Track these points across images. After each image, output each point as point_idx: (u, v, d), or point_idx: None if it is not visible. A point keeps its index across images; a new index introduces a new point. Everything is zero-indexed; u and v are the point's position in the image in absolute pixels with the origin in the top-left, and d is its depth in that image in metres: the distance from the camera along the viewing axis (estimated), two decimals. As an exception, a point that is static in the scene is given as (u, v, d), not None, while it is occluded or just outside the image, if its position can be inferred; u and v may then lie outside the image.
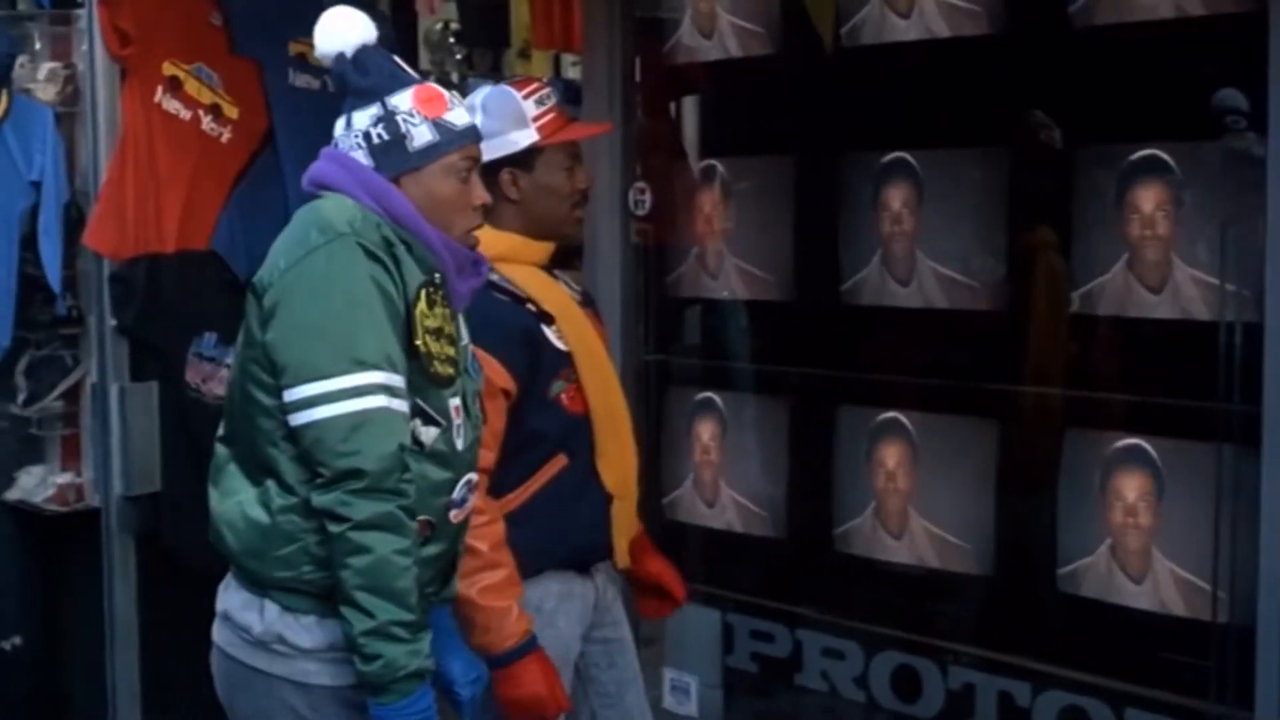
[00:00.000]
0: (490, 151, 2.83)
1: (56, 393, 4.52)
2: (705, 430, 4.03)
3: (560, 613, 3.06)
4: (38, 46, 4.54)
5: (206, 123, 4.28)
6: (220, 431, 2.66)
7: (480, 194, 2.66)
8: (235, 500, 2.57)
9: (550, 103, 3.09)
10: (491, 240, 2.83)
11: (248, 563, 2.56)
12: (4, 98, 4.32)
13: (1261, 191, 2.88)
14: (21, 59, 4.49)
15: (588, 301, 3.24)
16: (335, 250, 2.48)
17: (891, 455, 3.65)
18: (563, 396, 3.03)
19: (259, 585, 2.56)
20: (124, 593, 4.36)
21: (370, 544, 2.41)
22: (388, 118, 2.59)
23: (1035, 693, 3.36)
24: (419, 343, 2.51)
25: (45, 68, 4.47)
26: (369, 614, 2.42)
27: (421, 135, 2.59)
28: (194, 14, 4.27)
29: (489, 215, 2.75)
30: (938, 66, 3.52)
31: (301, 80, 4.44)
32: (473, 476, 2.69)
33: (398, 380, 2.48)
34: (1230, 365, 3.00)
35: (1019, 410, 3.56)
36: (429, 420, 2.55)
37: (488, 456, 2.84)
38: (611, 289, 3.93)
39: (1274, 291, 2.88)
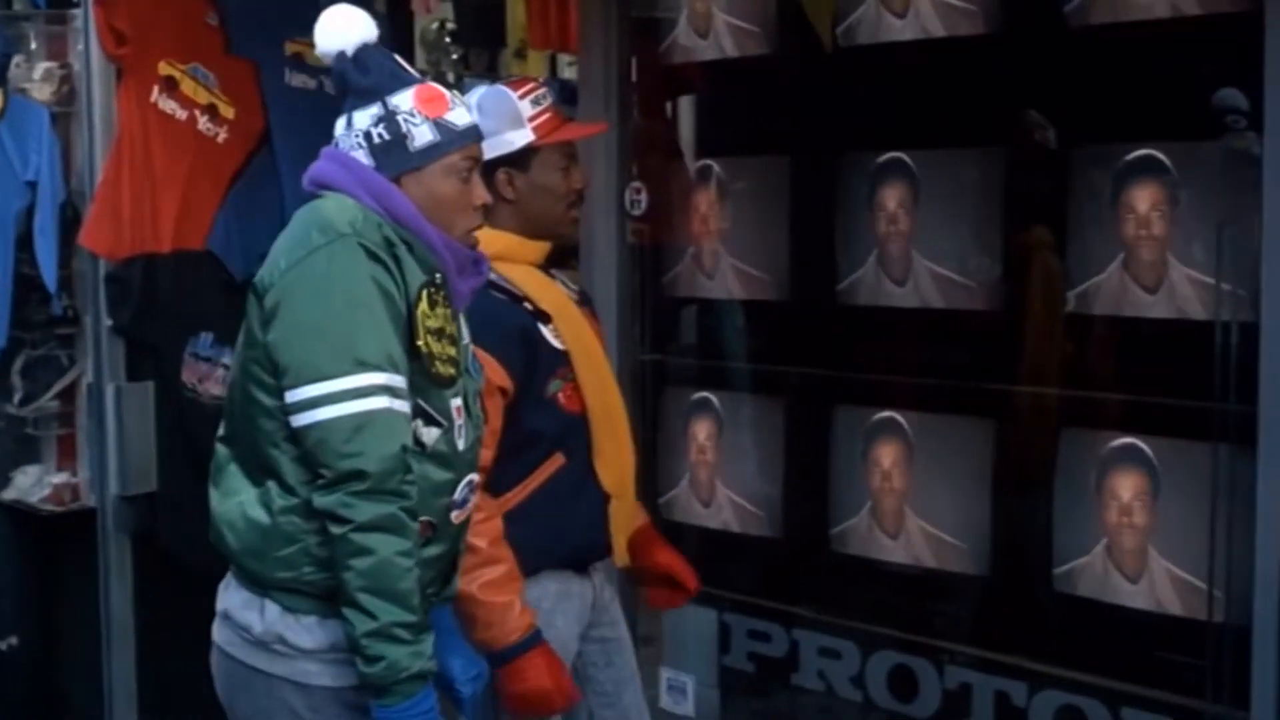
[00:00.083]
0: (486, 151, 2.82)
1: (52, 393, 4.52)
2: (701, 430, 4.03)
3: (558, 612, 3.07)
4: (33, 46, 4.55)
5: (202, 123, 4.28)
6: (220, 431, 2.66)
7: (481, 194, 2.66)
8: (236, 500, 2.57)
9: (546, 103, 3.09)
10: (488, 239, 2.83)
11: (248, 563, 2.56)
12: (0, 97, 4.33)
13: (1258, 191, 2.88)
14: (17, 59, 4.49)
15: (584, 300, 3.25)
16: (336, 251, 2.47)
17: (887, 455, 3.65)
18: (560, 395, 3.04)
19: (260, 585, 2.56)
20: (120, 593, 4.36)
21: (372, 545, 2.41)
22: (389, 117, 2.58)
23: (1031, 692, 3.36)
24: (420, 343, 2.51)
25: (41, 67, 4.47)
26: (371, 615, 2.42)
27: (422, 135, 2.59)
28: (190, 14, 4.27)
29: (485, 215, 2.75)
30: (934, 66, 3.52)
31: (298, 80, 4.44)
32: (474, 477, 2.69)
33: (399, 381, 2.48)
34: (1226, 365, 3.00)
35: (1015, 410, 3.56)
36: (430, 421, 2.55)
37: (485, 455, 2.84)
38: (608, 289, 3.93)
39: (1270, 291, 2.88)
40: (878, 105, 3.71)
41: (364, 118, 2.59)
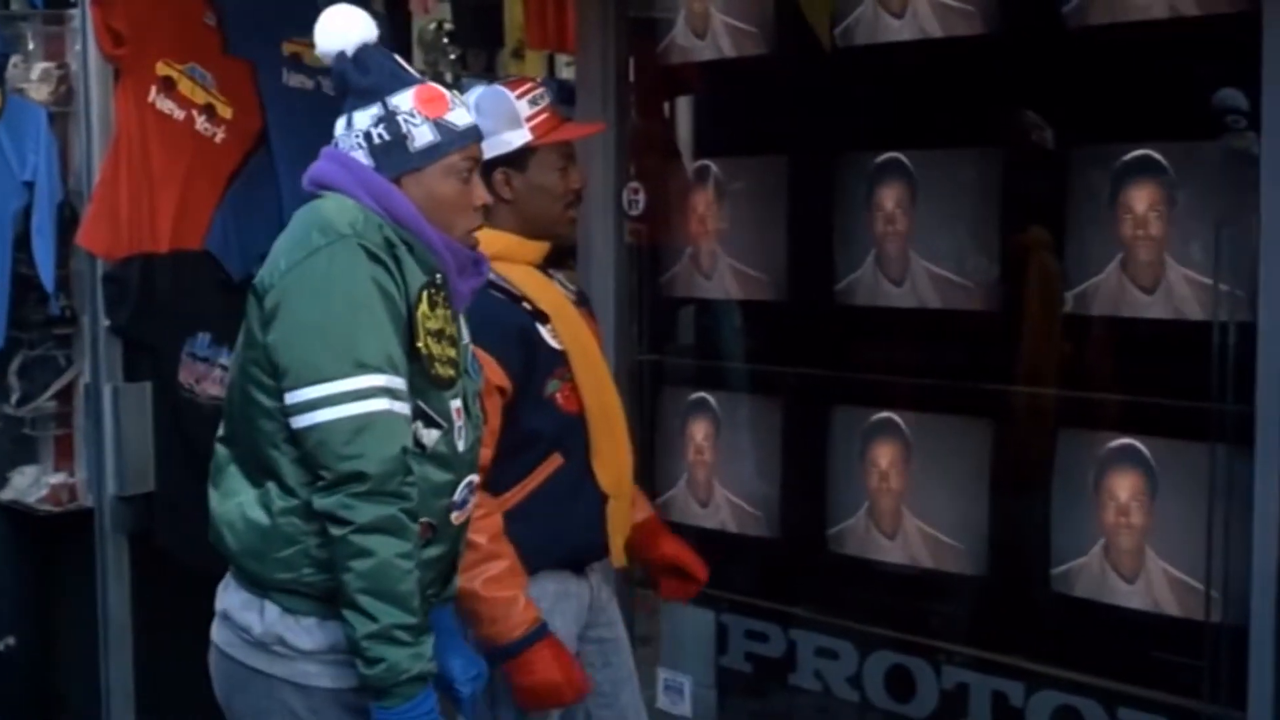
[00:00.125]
0: (484, 151, 2.83)
1: (50, 393, 4.52)
2: (699, 430, 4.04)
3: (556, 612, 3.06)
4: (31, 46, 4.54)
5: (200, 123, 4.28)
6: (220, 432, 2.65)
7: (481, 194, 2.66)
8: (236, 501, 2.56)
9: (543, 103, 3.09)
10: (487, 239, 2.83)
11: (248, 564, 2.56)
12: (-2, 98, 4.34)
13: (1255, 191, 2.88)
14: (15, 59, 4.49)
15: (582, 300, 3.25)
16: (337, 252, 2.47)
17: (885, 455, 3.65)
18: (558, 396, 3.04)
19: (259, 587, 2.56)
20: (117, 593, 4.36)
21: (372, 547, 2.41)
22: (389, 118, 2.58)
23: (1029, 692, 3.36)
24: (420, 345, 2.51)
25: (39, 67, 4.47)
26: (371, 617, 2.41)
27: (423, 136, 2.58)
28: (187, 14, 4.27)
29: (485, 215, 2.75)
30: (931, 67, 3.52)
31: (295, 80, 4.44)
32: (474, 478, 2.69)
33: (399, 383, 2.48)
34: (1223, 365, 3.00)
35: (1012, 410, 3.56)
36: (430, 422, 2.55)
37: (484, 454, 2.84)
38: (605, 289, 3.93)
39: (1267, 291, 2.88)
40: (876, 105, 3.72)
41: (364, 118, 2.59)
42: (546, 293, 3.08)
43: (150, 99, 4.17)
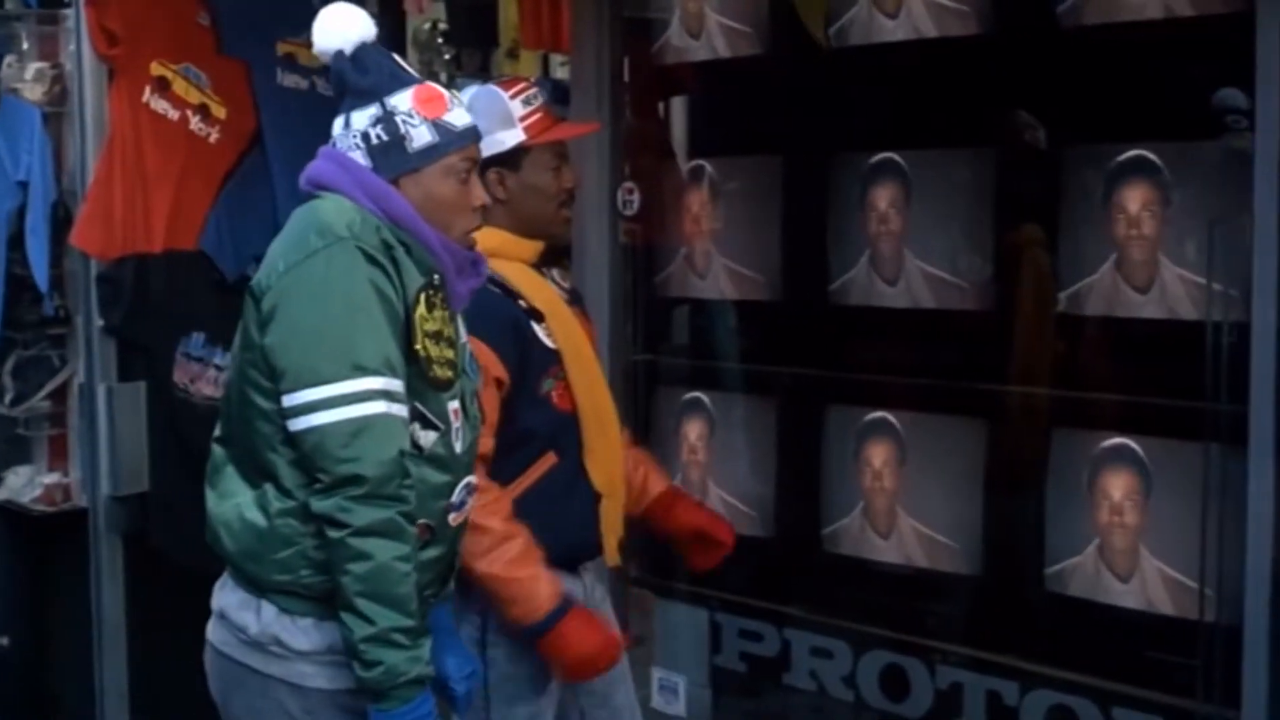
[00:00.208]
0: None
1: (43, 393, 4.51)
2: (693, 430, 4.04)
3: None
4: (25, 46, 4.53)
5: (194, 123, 4.28)
6: (217, 432, 2.65)
7: (479, 195, 2.66)
8: (233, 503, 2.56)
9: (537, 103, 3.09)
10: (482, 236, 2.82)
11: (245, 565, 2.56)
12: (-9, 98, 4.33)
13: (1249, 191, 2.89)
14: (9, 58, 4.48)
15: (575, 299, 3.25)
16: (334, 254, 2.46)
17: (879, 455, 3.66)
18: (553, 394, 3.04)
19: (256, 587, 2.56)
20: (111, 593, 4.35)
21: (370, 550, 2.41)
22: (387, 118, 2.57)
23: (1023, 692, 3.36)
24: (418, 347, 2.51)
25: (32, 67, 4.46)
26: (369, 620, 2.41)
27: (421, 136, 2.58)
28: (182, 14, 4.26)
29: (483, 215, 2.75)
30: (925, 67, 3.53)
31: (290, 80, 4.44)
32: (471, 479, 2.69)
33: (397, 385, 2.47)
34: (1217, 365, 3.00)
35: (1006, 410, 3.57)
36: (428, 424, 2.55)
37: (486, 443, 2.84)
38: (600, 289, 3.93)
39: (1261, 291, 2.88)
40: (870, 106, 3.72)
41: (362, 118, 2.58)
42: (541, 291, 3.08)
43: (144, 99, 4.17)
